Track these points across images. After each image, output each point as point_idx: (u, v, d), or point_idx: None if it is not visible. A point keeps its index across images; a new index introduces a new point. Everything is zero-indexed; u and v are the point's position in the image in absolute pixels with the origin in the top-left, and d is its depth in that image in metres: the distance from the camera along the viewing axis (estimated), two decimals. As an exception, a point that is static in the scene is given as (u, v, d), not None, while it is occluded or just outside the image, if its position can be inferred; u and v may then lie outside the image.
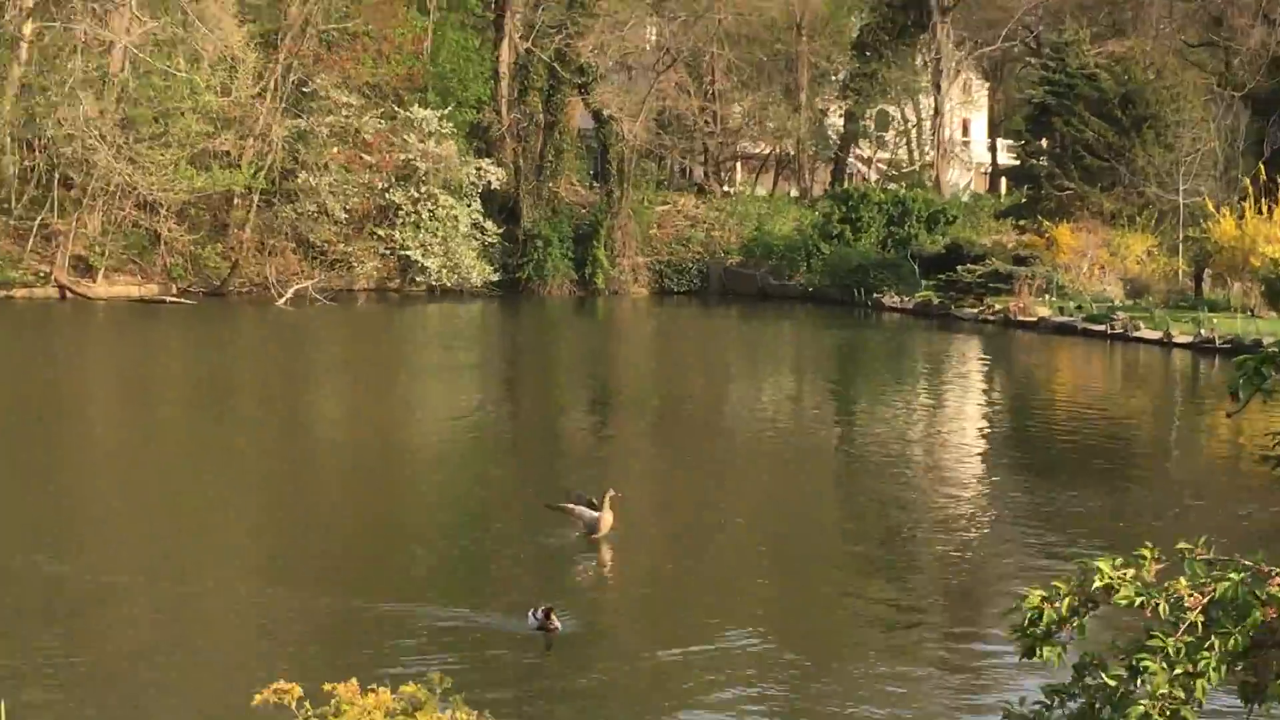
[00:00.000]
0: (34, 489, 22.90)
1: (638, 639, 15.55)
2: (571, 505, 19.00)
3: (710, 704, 13.41)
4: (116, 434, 29.29)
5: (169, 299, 59.59)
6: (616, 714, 13.62)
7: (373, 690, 6.32)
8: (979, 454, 28.56)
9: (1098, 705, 5.23)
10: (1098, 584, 5.28)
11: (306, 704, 6.26)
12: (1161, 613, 5.09)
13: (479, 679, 13.63)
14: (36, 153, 60.39)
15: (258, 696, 6.37)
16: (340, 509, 22.30)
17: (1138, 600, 5.10)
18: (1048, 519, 21.27)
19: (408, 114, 66.52)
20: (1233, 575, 5.20)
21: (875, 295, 62.90)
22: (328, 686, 6.26)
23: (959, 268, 59.67)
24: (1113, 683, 5.04)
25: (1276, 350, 5.76)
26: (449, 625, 15.38)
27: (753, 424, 32.05)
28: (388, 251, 66.51)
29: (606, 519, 18.74)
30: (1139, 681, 5.01)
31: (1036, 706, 5.55)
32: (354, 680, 6.29)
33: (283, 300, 60.18)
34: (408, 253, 66.09)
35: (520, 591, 16.68)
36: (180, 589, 16.73)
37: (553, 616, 14.88)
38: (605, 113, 69.79)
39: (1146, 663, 4.98)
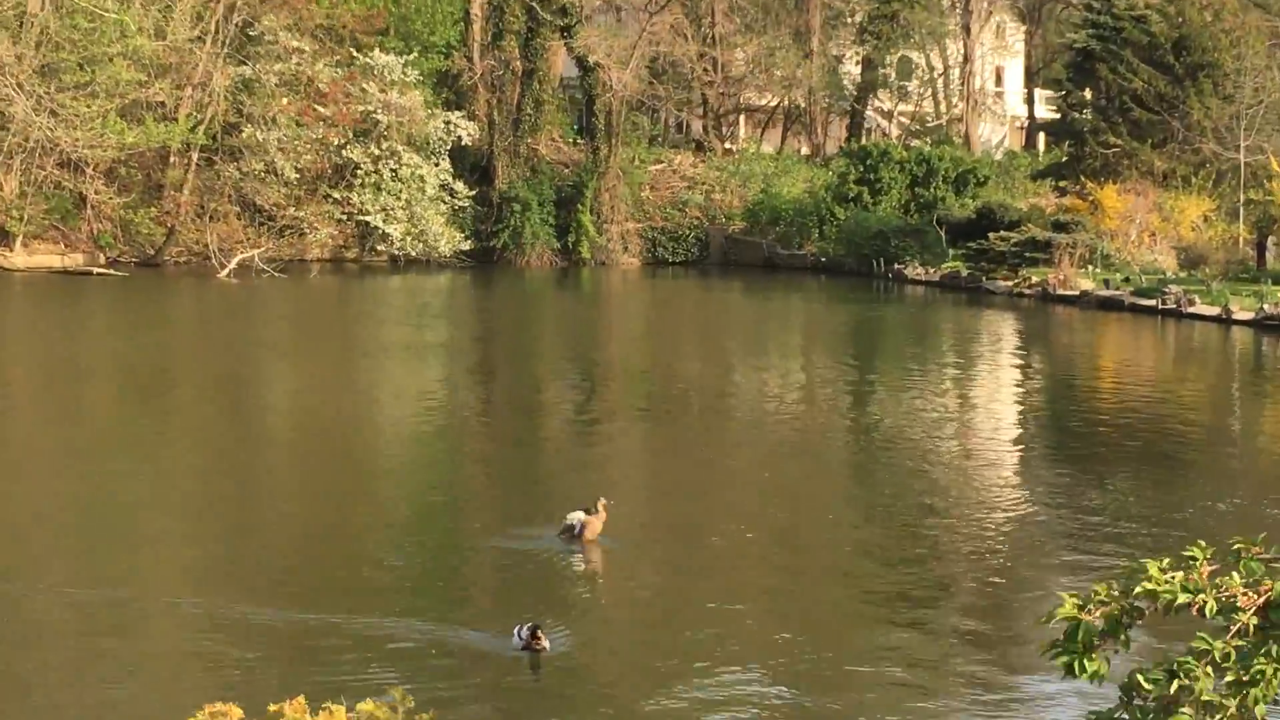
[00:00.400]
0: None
1: (632, 670, 15.52)
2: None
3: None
4: (35, 425, 29.24)
5: (96, 270, 59.50)
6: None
7: (325, 709, 6.33)
8: (1015, 447, 28.60)
9: (1140, 723, 5.22)
10: (1141, 589, 5.27)
11: (249, 726, 6.28)
12: (1209, 613, 5.09)
13: (455, 717, 13.61)
14: (-56, 105, 60.29)
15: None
16: (293, 509, 22.29)
17: (1181, 598, 5.10)
18: (1095, 522, 21.24)
19: (367, 60, 66.39)
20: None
21: (896, 266, 62.96)
22: (273, 707, 6.27)
23: (991, 235, 59.70)
24: (1149, 686, 5.03)
25: None
26: (418, 643, 15.33)
27: (759, 413, 32.07)
28: (345, 216, 66.44)
29: (596, 524, 18.89)
30: (1174, 685, 5.00)
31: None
32: (301, 699, 6.29)
33: (225, 272, 60.11)
34: (367, 218, 66.01)
35: (502, 605, 16.67)
36: (108, 597, 16.72)
37: (540, 635, 14.80)
38: (591, 59, 69.67)
39: (1189, 666, 4.98)
